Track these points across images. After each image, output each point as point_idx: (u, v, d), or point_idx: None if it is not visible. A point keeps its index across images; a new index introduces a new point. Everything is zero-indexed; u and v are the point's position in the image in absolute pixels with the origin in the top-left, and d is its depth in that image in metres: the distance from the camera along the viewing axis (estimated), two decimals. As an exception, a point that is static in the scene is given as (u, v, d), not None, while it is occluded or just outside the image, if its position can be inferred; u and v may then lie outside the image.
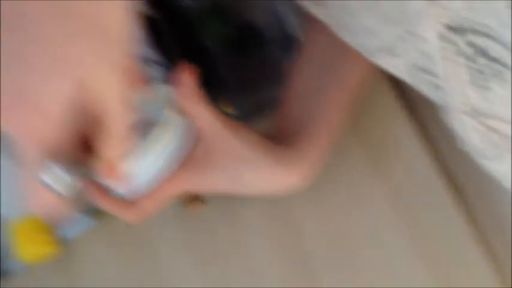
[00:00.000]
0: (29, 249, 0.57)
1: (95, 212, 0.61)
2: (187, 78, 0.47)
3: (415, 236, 0.54)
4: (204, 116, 0.47)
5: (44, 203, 0.36)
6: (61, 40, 0.32)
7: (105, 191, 0.48)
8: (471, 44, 0.34)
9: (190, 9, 0.58)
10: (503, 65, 0.33)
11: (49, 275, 0.60)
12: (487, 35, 0.32)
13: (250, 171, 0.49)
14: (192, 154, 0.49)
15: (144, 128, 0.48)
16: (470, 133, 0.38)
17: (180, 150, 0.48)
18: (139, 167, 0.46)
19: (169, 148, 0.48)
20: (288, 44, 0.59)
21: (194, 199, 0.57)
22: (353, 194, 0.56)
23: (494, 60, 0.33)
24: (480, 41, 0.33)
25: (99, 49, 0.34)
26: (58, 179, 0.33)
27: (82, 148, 0.37)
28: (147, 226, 0.59)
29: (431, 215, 0.55)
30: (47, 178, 0.33)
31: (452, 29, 0.34)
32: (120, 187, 0.47)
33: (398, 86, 0.59)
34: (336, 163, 0.55)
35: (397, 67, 0.40)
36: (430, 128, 0.58)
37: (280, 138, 0.51)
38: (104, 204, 0.49)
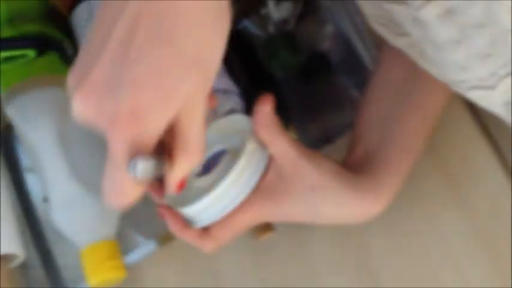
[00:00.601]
0: (98, 274, 0.57)
1: (161, 238, 0.62)
2: (265, 107, 0.46)
3: (497, 268, 0.52)
4: (280, 143, 0.47)
5: (124, 195, 0.38)
6: (167, 68, 0.35)
7: (182, 220, 0.48)
8: None
9: (258, 39, 0.58)
10: None
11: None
12: None
13: (328, 200, 0.48)
14: (265, 182, 0.48)
15: (222, 156, 0.48)
16: None
17: (254, 178, 0.48)
18: (217, 197, 0.46)
19: (244, 176, 0.47)
20: (356, 71, 0.59)
21: (264, 227, 0.56)
22: (429, 221, 0.54)
23: None
24: None
25: (200, 78, 0.36)
26: (144, 172, 0.37)
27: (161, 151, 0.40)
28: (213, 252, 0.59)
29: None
30: (134, 172, 0.37)
31: None
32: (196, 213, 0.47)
33: (473, 110, 0.57)
34: (411, 188, 0.53)
35: (489, 100, 0.39)
36: (507, 152, 0.57)
37: (355, 166, 0.50)
38: (180, 233, 0.49)
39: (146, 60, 0.35)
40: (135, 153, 0.36)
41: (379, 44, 0.53)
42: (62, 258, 0.63)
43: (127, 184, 0.37)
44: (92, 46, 0.37)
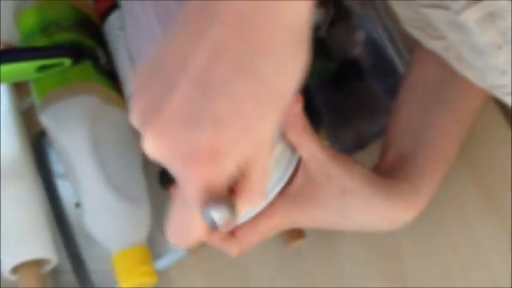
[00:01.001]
0: (129, 279, 0.58)
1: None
2: (295, 107, 0.46)
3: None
4: (310, 145, 0.46)
5: (192, 237, 0.37)
6: (251, 103, 0.32)
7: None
8: None
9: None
10: None
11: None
12: None
13: (359, 206, 0.47)
14: (294, 186, 0.48)
15: None
16: None
17: (281, 181, 0.47)
18: None
19: (272, 179, 0.46)
20: (388, 76, 0.59)
21: (295, 233, 0.56)
22: (463, 229, 0.54)
23: None
24: None
25: (279, 115, 0.33)
26: (215, 215, 0.35)
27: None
28: (241, 257, 0.59)
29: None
30: (210, 220, 0.35)
31: None
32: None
33: (508, 114, 0.57)
34: (445, 195, 0.53)
35: None
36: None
37: (388, 171, 0.49)
38: (207, 237, 0.48)
39: (229, 93, 0.31)
40: (208, 195, 0.33)
41: (411, 48, 0.53)
42: (92, 263, 0.63)
43: (197, 227, 0.36)
44: (161, 73, 0.33)
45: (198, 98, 0.32)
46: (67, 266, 0.68)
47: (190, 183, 0.33)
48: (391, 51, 0.59)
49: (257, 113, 0.32)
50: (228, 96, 0.31)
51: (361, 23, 0.60)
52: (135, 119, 0.34)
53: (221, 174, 0.33)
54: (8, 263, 0.60)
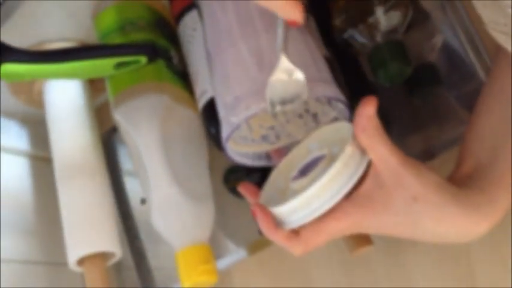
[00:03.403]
0: (191, 277, 0.58)
1: (251, 246, 0.62)
2: (367, 110, 0.45)
3: None
4: (381, 149, 0.45)
5: None
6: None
7: (273, 219, 0.47)
8: None
9: (365, 48, 0.58)
10: None
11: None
12: None
13: (431, 215, 0.45)
14: (363, 190, 0.46)
15: (321, 161, 0.48)
16: None
17: (349, 183, 0.46)
18: (308, 198, 0.46)
19: (341, 181, 0.46)
20: (466, 84, 0.57)
21: (361, 240, 0.54)
22: None
23: None
24: None
25: None
26: None
27: None
28: (304, 261, 0.59)
29: None
30: None
31: None
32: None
33: None
34: None
35: None
36: None
37: (463, 181, 0.47)
38: (269, 232, 0.48)
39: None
40: None
41: (493, 54, 0.51)
42: (155, 260, 0.64)
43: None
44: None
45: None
46: (130, 262, 0.69)
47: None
48: (471, 57, 0.57)
49: None
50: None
51: (439, 27, 0.59)
52: None
53: None
54: (74, 255, 0.62)
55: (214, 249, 0.60)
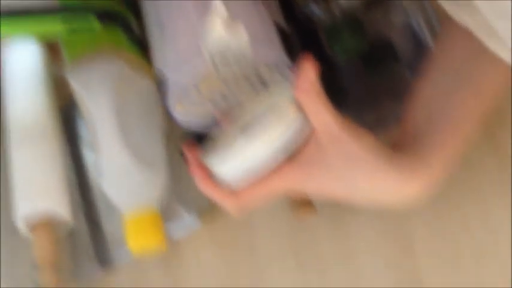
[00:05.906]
0: (138, 240, 0.58)
1: (200, 210, 0.62)
2: (308, 72, 0.45)
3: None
4: (321, 113, 0.46)
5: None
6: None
7: (209, 175, 0.48)
8: None
9: (320, 21, 0.58)
10: None
11: (153, 270, 0.61)
12: None
13: (367, 175, 0.46)
14: (302, 150, 0.47)
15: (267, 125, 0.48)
16: None
17: (290, 145, 0.47)
18: (246, 151, 0.46)
19: (279, 141, 0.47)
20: (419, 61, 0.58)
21: (305, 204, 0.55)
22: (481, 212, 0.52)
23: None
24: None
25: None
26: None
27: None
28: (251, 229, 0.59)
29: None
30: None
31: None
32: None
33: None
34: (465, 176, 0.51)
35: None
36: None
37: (400, 145, 0.48)
38: (206, 188, 0.48)
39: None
40: None
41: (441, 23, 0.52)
42: (110, 227, 0.64)
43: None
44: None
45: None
46: (85, 235, 0.69)
47: None
48: (428, 37, 0.59)
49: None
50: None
51: (399, 6, 0.59)
52: None
53: None
54: (21, 214, 0.61)
55: (165, 216, 0.60)
